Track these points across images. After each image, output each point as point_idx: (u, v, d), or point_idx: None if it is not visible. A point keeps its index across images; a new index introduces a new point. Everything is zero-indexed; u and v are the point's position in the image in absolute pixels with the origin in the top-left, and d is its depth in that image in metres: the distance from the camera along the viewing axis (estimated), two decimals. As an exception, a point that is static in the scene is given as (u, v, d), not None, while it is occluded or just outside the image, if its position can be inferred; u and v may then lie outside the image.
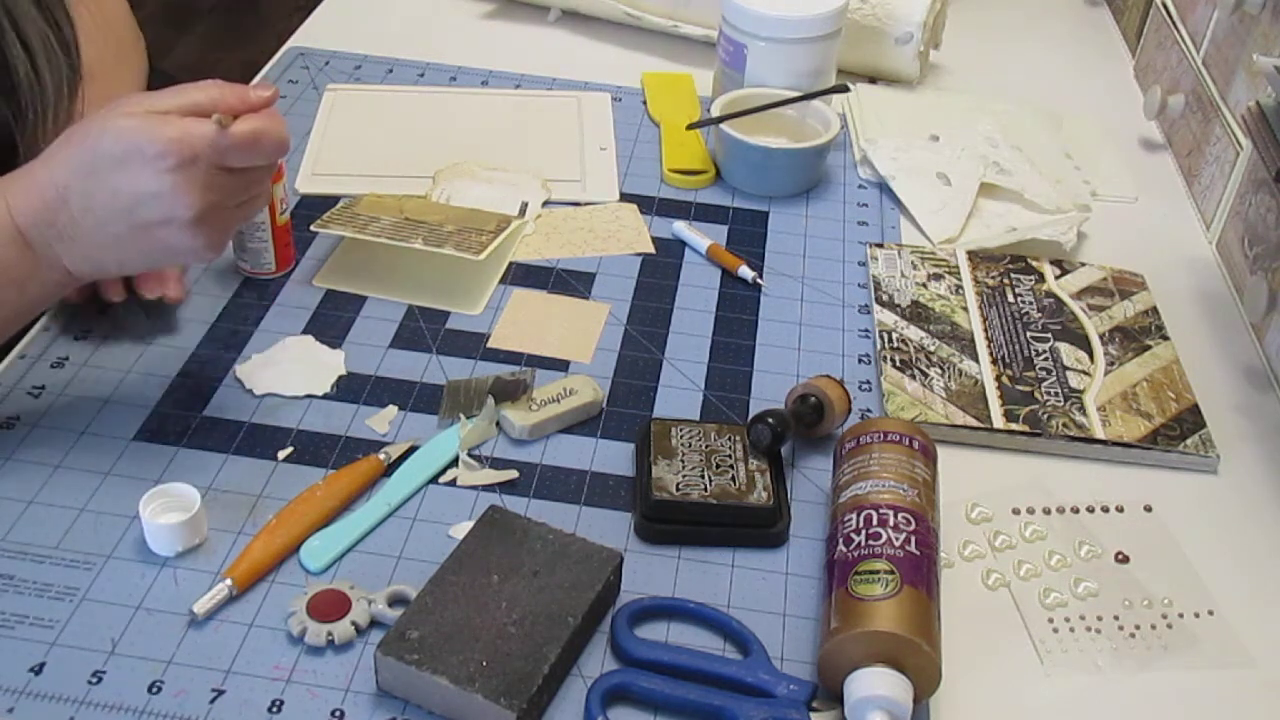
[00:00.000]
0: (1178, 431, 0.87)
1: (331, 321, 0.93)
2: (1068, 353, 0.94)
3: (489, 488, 0.80)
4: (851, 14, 1.23)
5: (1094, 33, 1.46)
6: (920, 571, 0.69)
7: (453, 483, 0.80)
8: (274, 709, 0.67)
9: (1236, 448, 0.89)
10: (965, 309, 0.97)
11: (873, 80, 1.30)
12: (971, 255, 1.03)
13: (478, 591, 0.69)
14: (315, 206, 1.03)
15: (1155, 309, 0.99)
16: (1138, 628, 0.75)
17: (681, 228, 1.05)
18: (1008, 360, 0.92)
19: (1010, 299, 0.99)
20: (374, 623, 0.71)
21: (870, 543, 0.71)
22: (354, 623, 0.70)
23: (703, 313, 0.97)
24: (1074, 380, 0.91)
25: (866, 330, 0.96)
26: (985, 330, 0.95)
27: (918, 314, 0.96)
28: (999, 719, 0.70)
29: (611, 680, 0.68)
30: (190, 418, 0.83)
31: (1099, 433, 0.87)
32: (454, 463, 0.82)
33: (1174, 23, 1.26)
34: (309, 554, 0.74)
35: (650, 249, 1.03)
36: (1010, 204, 1.12)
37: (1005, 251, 1.05)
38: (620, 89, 1.26)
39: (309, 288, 0.96)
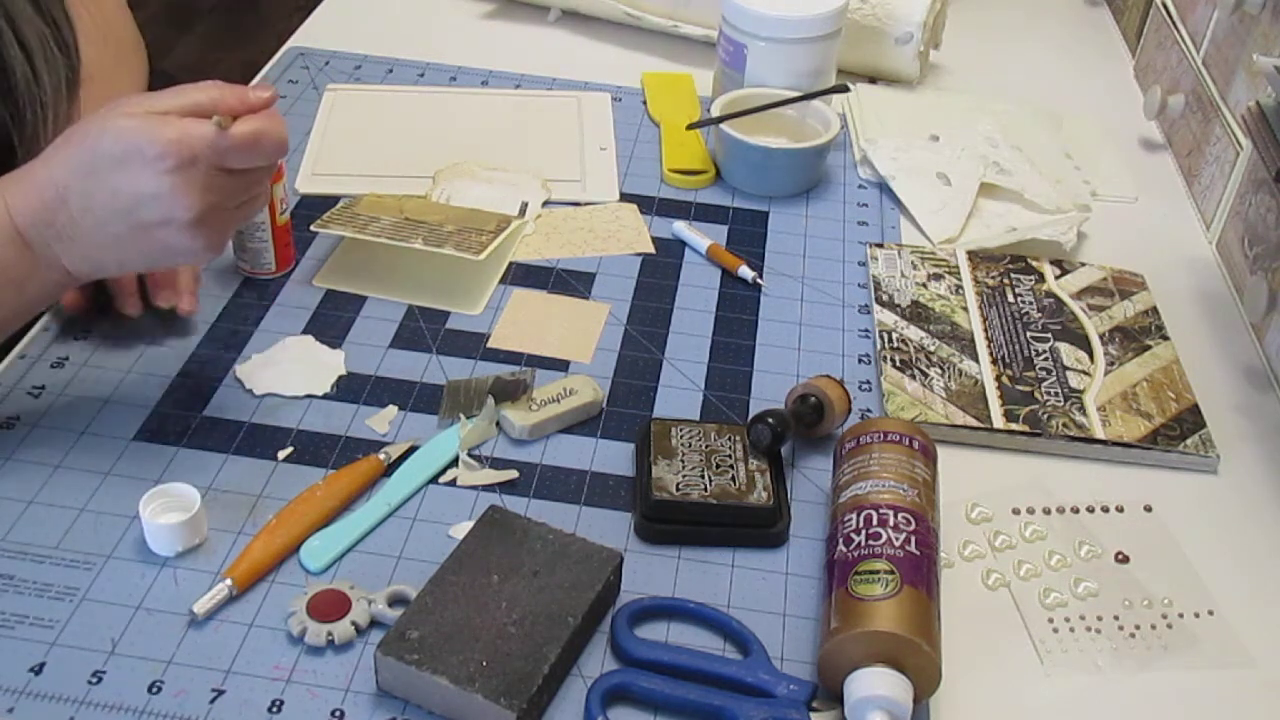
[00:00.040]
0: (1178, 431, 0.87)
1: (331, 321, 0.93)
2: (1068, 353, 0.94)
3: (489, 488, 0.80)
4: (851, 14, 1.23)
5: (1094, 33, 1.46)
6: (920, 571, 0.69)
7: (453, 483, 0.80)
8: (274, 709, 0.67)
9: (1236, 448, 0.89)
10: (965, 309, 0.97)
11: (873, 80, 1.30)
12: (971, 255, 1.03)
13: (478, 591, 0.69)
14: (315, 206, 1.03)
15: (1155, 309, 0.99)
16: (1138, 628, 0.75)
17: (681, 228, 1.05)
18: (1008, 360, 0.92)
19: (1010, 299, 0.99)
20: (374, 623, 0.71)
21: (870, 543, 0.71)
22: (354, 623, 0.70)
23: (703, 313, 0.97)
24: (1074, 380, 0.91)
25: (866, 330, 0.96)
26: (985, 330, 0.95)
27: (918, 314, 0.96)
28: (999, 719, 0.70)
29: (611, 680, 0.68)
30: (190, 418, 0.83)
31: (1099, 433, 0.87)
32: (454, 463, 0.82)
33: (1174, 23, 1.26)
34: (309, 554, 0.74)
35: (650, 249, 1.03)
36: (1010, 204, 1.12)
37: (1005, 251, 1.05)
38: (620, 89, 1.26)
39: (309, 288, 0.96)
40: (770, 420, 0.80)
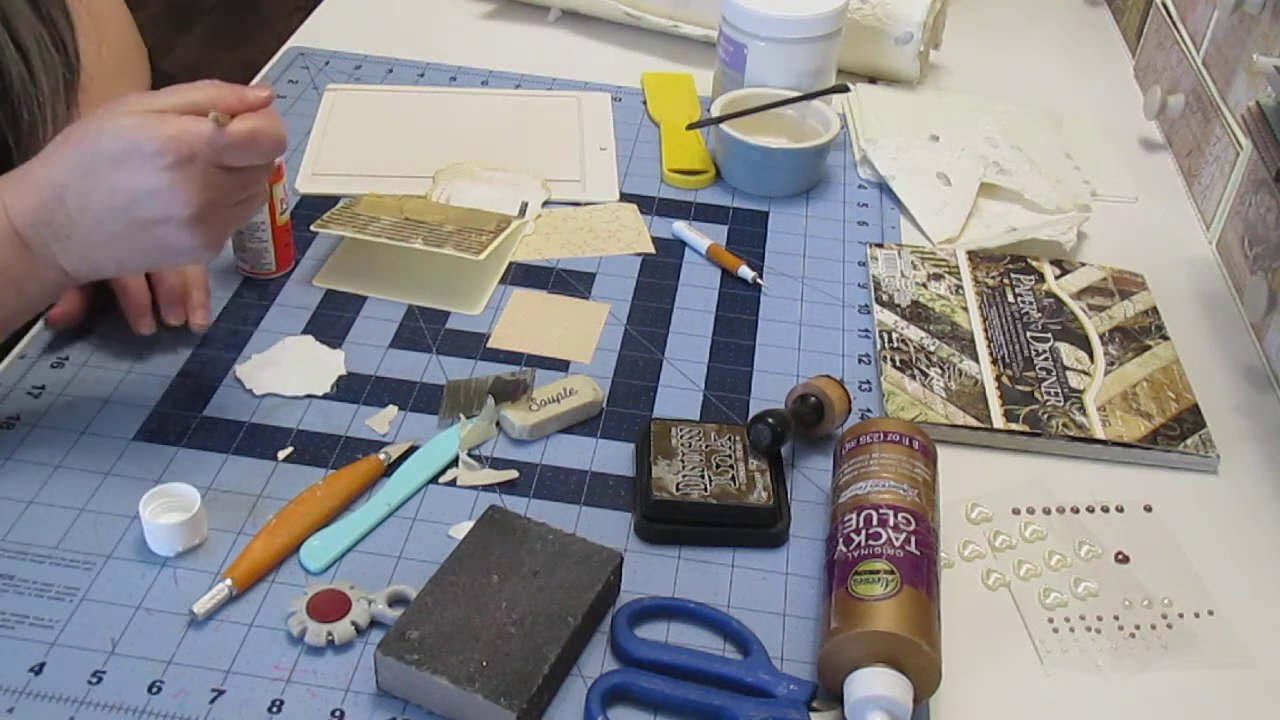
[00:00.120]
0: (1178, 431, 0.87)
1: (331, 321, 0.93)
2: (1068, 353, 0.94)
3: (489, 488, 0.80)
4: (851, 14, 1.23)
5: (1094, 33, 1.46)
6: (920, 571, 0.69)
7: (453, 483, 0.80)
8: (274, 709, 0.67)
9: (1236, 448, 0.89)
10: (965, 309, 0.97)
11: (873, 80, 1.30)
12: (971, 255, 1.03)
13: (478, 591, 0.69)
14: (315, 206, 1.03)
15: (1155, 309, 0.99)
16: (1138, 628, 0.75)
17: (681, 228, 1.05)
18: (1008, 360, 0.92)
19: (1010, 299, 0.99)
20: (374, 623, 0.71)
21: (870, 543, 0.71)
22: (354, 623, 0.70)
23: (703, 313, 0.97)
24: (1074, 380, 0.91)
25: (866, 330, 0.96)
26: (985, 330, 0.95)
27: (918, 314, 0.96)
28: (999, 719, 0.70)
29: (611, 680, 0.68)
30: (190, 418, 0.83)
31: (1099, 433, 0.87)
32: (454, 463, 0.82)
33: (1174, 23, 1.26)
34: (309, 554, 0.74)
35: (650, 249, 1.03)
36: (1010, 204, 1.12)
37: (1005, 251, 1.05)
38: (620, 89, 1.26)
39: (309, 288, 0.96)
40: (770, 420, 0.80)
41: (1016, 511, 0.82)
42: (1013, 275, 1.01)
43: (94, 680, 0.67)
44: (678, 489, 0.78)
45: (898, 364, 0.91)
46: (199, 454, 0.81)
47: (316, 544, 0.75)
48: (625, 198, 1.10)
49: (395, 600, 0.72)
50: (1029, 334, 0.95)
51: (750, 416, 0.84)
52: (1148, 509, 0.83)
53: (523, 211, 1.05)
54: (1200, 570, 0.79)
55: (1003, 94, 1.29)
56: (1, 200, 0.73)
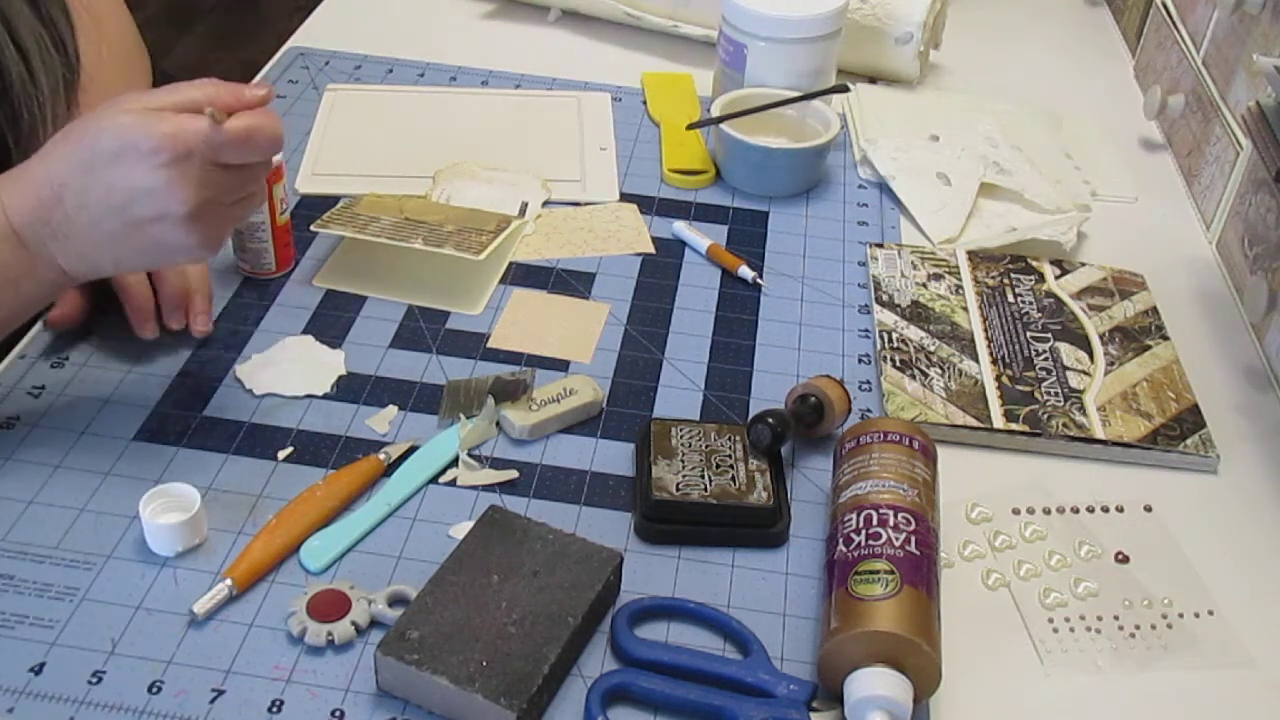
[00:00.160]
0: (1178, 431, 0.87)
1: (331, 321, 0.93)
2: (1068, 353, 0.94)
3: (489, 488, 0.80)
4: (851, 14, 1.23)
5: (1094, 33, 1.46)
6: (920, 571, 0.69)
7: (453, 483, 0.80)
8: (274, 709, 0.67)
9: (1236, 448, 0.89)
10: (965, 309, 0.97)
11: (873, 80, 1.30)
12: (971, 255, 1.03)
13: (478, 591, 0.69)
14: (315, 206, 1.03)
15: (1155, 309, 0.99)
16: (1138, 628, 0.75)
17: (681, 228, 1.05)
18: (1008, 360, 0.92)
19: (1010, 299, 0.99)
20: (374, 623, 0.71)
21: (870, 543, 0.71)
22: (354, 623, 0.70)
23: (703, 313, 0.97)
24: (1074, 380, 0.91)
25: (866, 330, 0.96)
26: (985, 330, 0.95)
27: (918, 314, 0.96)
28: (999, 719, 0.70)
29: (611, 680, 0.68)
30: (190, 418, 0.83)
31: (1099, 433, 0.87)
32: (454, 463, 0.82)
33: (1174, 23, 1.26)
34: (309, 554, 0.74)
35: (650, 249, 1.03)
36: (1010, 204, 1.12)
37: (1005, 251, 1.05)
38: (620, 89, 1.26)
39: (309, 288, 0.96)
40: (770, 420, 0.80)
41: (1016, 511, 0.82)
42: (1013, 275, 1.01)
43: (94, 680, 0.67)
44: (678, 489, 0.78)
45: (898, 364, 0.91)
46: (199, 454, 0.81)
47: (316, 544, 0.75)
48: (625, 198, 1.10)
49: (395, 600, 0.72)
50: (1029, 334, 0.95)
51: (750, 416, 0.84)
52: (1148, 509, 0.83)
53: (523, 211, 1.05)
54: (1200, 570, 0.79)
55: (1003, 94, 1.29)
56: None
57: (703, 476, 0.79)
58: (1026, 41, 1.42)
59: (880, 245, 1.04)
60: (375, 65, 1.26)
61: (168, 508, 0.74)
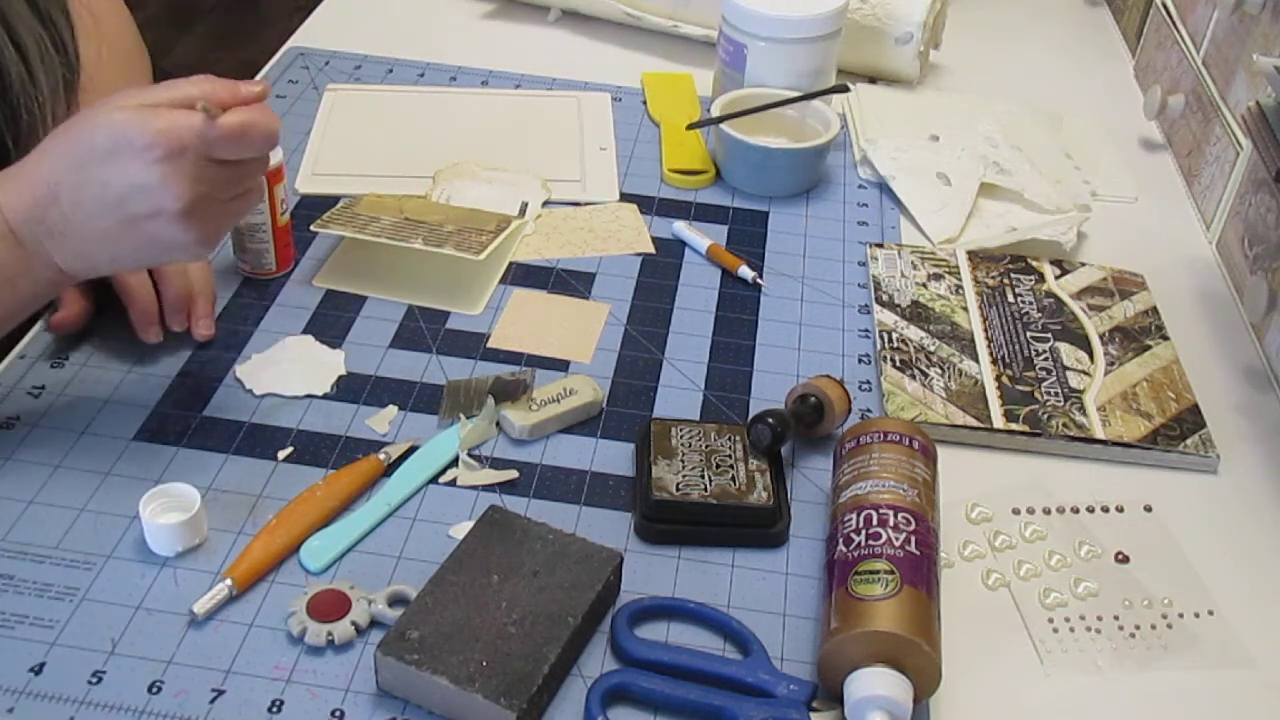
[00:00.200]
0: (1178, 431, 0.87)
1: (331, 321, 0.93)
2: (1068, 353, 0.94)
3: (489, 488, 0.80)
4: (851, 14, 1.23)
5: (1094, 33, 1.46)
6: (920, 571, 0.69)
7: (453, 483, 0.80)
8: (274, 709, 0.67)
9: (1236, 448, 0.89)
10: (965, 309, 0.97)
11: (873, 80, 1.30)
12: (971, 255, 1.03)
13: (478, 591, 0.69)
14: (315, 206, 1.03)
15: (1155, 309, 0.99)
16: (1138, 628, 0.75)
17: (681, 228, 1.05)
18: (1008, 360, 0.92)
19: (1010, 299, 0.99)
20: (374, 623, 0.71)
21: (870, 543, 0.71)
22: (354, 623, 0.70)
23: (703, 313, 0.97)
24: (1074, 380, 0.91)
25: (866, 330, 0.96)
26: (985, 330, 0.95)
27: (918, 314, 0.96)
28: (999, 719, 0.70)
29: (611, 680, 0.68)
30: (190, 418, 0.83)
31: (1099, 433, 0.87)
32: (454, 463, 0.82)
33: (1174, 23, 1.26)
34: (309, 554, 0.74)
35: (650, 249, 1.03)
36: (1010, 204, 1.12)
37: (1005, 251, 1.05)
38: (620, 89, 1.26)
39: (309, 288, 0.96)
40: (770, 420, 0.80)
41: (1016, 511, 0.82)
42: (1013, 275, 1.01)
43: (94, 680, 0.67)
44: (678, 489, 0.78)
45: (898, 364, 0.91)
46: (199, 454, 0.81)
47: (316, 544, 0.75)
48: (625, 198, 1.10)
49: (395, 600, 0.72)
50: (1029, 334, 0.95)
51: (750, 416, 0.84)
52: (1148, 509, 0.83)
53: (523, 211, 1.05)
54: (1200, 570, 0.79)
55: (1003, 94, 1.29)
56: None
57: (703, 476, 0.79)
58: (1026, 41, 1.42)
59: (880, 245, 1.04)
60: (375, 65, 1.26)
61: (168, 508, 0.74)
